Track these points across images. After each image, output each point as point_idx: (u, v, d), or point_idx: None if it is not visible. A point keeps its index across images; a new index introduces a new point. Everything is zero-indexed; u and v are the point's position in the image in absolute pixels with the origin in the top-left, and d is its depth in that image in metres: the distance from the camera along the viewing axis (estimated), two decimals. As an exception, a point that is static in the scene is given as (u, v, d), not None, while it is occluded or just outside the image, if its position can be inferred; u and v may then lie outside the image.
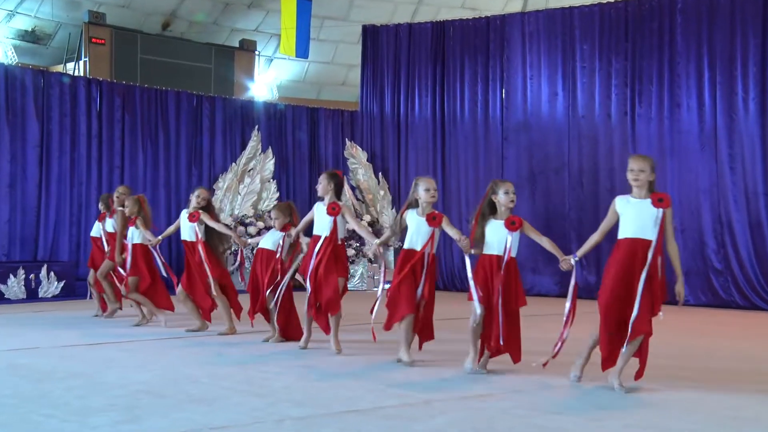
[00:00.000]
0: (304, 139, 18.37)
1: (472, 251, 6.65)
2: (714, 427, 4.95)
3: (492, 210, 6.62)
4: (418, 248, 6.92)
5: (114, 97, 15.86)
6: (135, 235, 9.91)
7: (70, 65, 16.92)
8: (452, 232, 6.83)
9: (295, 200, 17.55)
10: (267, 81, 19.63)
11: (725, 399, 5.70)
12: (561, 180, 15.93)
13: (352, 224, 7.79)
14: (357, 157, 17.99)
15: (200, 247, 9.25)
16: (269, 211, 16.77)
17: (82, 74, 16.44)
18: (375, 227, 17.15)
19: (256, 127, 17.50)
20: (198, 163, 16.90)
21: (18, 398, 5.60)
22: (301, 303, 8.82)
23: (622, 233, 6.01)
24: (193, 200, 9.43)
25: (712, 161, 14.34)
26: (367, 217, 17.23)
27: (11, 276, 13.68)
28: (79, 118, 15.37)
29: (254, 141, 17.35)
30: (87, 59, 16.68)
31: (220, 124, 17.19)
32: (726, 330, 10.93)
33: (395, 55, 18.00)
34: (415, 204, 7.00)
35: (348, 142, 18.23)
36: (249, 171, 17.17)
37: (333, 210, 7.62)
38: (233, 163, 17.14)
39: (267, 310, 8.69)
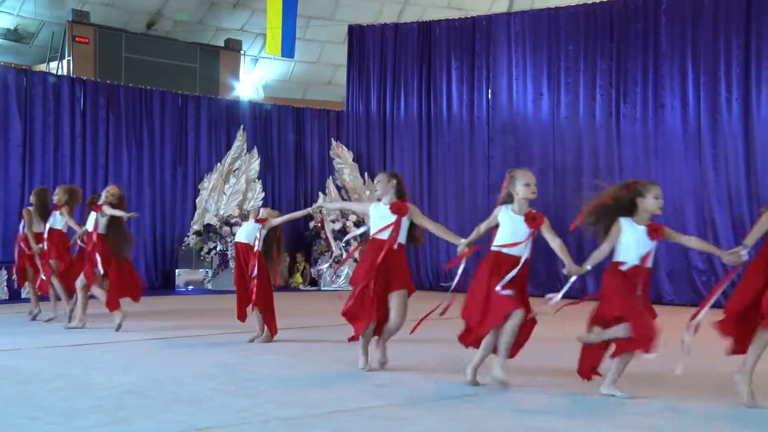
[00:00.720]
0: (289, 139, 18.40)
1: (588, 267, 5.97)
2: (702, 428, 4.98)
3: (625, 210, 5.98)
4: (513, 251, 6.11)
5: (98, 96, 15.85)
6: (57, 221, 10.25)
7: (54, 64, 16.97)
8: (555, 243, 6.14)
9: (280, 200, 17.84)
10: (252, 80, 19.73)
11: (714, 399, 5.74)
12: (546, 180, 15.79)
13: (428, 226, 6.87)
14: (343, 157, 18.02)
15: (94, 237, 9.52)
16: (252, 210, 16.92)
17: (65, 73, 16.50)
18: (361, 227, 17.11)
19: (242, 126, 17.50)
20: (183, 162, 16.90)
21: (2, 401, 5.56)
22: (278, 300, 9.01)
23: None
24: (103, 195, 9.66)
25: (695, 162, 14.44)
26: (352, 218, 17.18)
27: (-6, 277, 13.58)
28: (62, 117, 15.40)
29: (239, 141, 17.36)
30: (71, 58, 16.73)
31: (205, 124, 17.22)
32: (710, 329, 10.96)
33: (381, 55, 18.03)
34: (508, 200, 6.20)
35: (334, 142, 18.26)
36: (234, 171, 17.16)
37: (399, 209, 6.72)
38: (218, 163, 17.15)
39: (264, 310, 8.71)
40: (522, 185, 6.07)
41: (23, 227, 10.82)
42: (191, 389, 6.02)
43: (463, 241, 6.41)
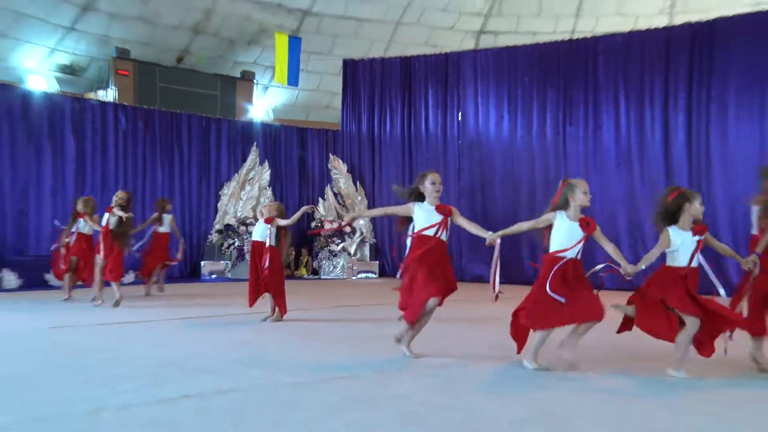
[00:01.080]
0: (294, 154, 18.37)
1: (642, 266, 5.56)
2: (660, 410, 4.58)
3: (675, 213, 5.66)
4: (568, 254, 5.68)
5: (137, 119, 15.90)
6: (81, 226, 10.83)
7: (101, 92, 16.85)
8: (609, 247, 5.74)
9: (287, 204, 17.21)
10: (264, 105, 19.54)
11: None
12: (506, 189, 16.07)
13: (464, 224, 6.23)
14: (339, 168, 18.06)
15: (101, 235, 10.01)
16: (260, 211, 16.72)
17: (110, 100, 16.47)
18: (354, 227, 17.22)
19: (255, 143, 17.49)
20: (206, 173, 16.94)
21: (59, 369, 5.50)
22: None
23: None
24: (114, 199, 10.17)
25: (626, 176, 14.61)
26: (347, 218, 17.18)
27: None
28: (108, 137, 15.42)
29: (253, 155, 17.35)
30: (115, 88, 16.69)
31: (225, 142, 17.19)
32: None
33: (370, 84, 18.07)
34: (563, 206, 5.76)
35: (331, 156, 18.28)
36: (249, 180, 17.18)
37: (444, 210, 6.14)
38: (236, 174, 17.16)
39: (275, 294, 8.62)
40: (582, 193, 5.71)
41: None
42: (213, 360, 5.88)
43: (491, 234, 5.95)
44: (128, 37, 17.17)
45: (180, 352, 6.33)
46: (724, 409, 4.60)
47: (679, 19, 17.28)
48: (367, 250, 17.60)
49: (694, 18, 15.28)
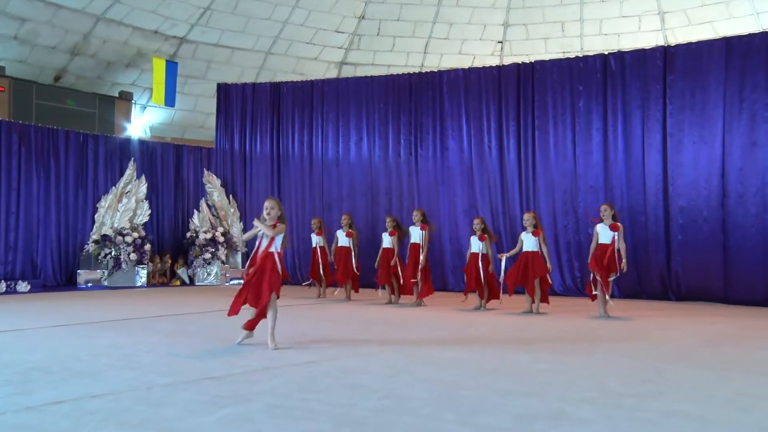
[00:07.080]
0: (170, 169, 17.37)
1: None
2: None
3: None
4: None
5: (11, 133, 14.45)
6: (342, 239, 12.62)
7: None
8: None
9: (163, 216, 16.90)
10: (142, 123, 18.36)
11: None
12: (366, 200, 15.93)
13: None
14: (213, 183, 17.28)
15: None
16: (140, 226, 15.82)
17: None
18: (227, 236, 16.58)
19: (132, 159, 16.28)
20: (83, 186, 15.59)
21: None
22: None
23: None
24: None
25: (468, 188, 14.82)
26: (220, 229, 16.57)
27: None
28: None
29: (130, 169, 16.12)
30: None
31: (102, 157, 15.91)
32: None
33: (242, 107, 17.50)
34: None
35: (206, 172, 17.47)
36: (126, 193, 15.95)
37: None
38: (113, 187, 15.93)
39: None
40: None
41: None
42: (87, 364, 5.48)
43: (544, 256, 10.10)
44: (4, 54, 15.58)
45: (52, 357, 5.84)
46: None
47: (507, 60, 17.87)
48: (239, 258, 16.76)
49: (518, 60, 15.80)
